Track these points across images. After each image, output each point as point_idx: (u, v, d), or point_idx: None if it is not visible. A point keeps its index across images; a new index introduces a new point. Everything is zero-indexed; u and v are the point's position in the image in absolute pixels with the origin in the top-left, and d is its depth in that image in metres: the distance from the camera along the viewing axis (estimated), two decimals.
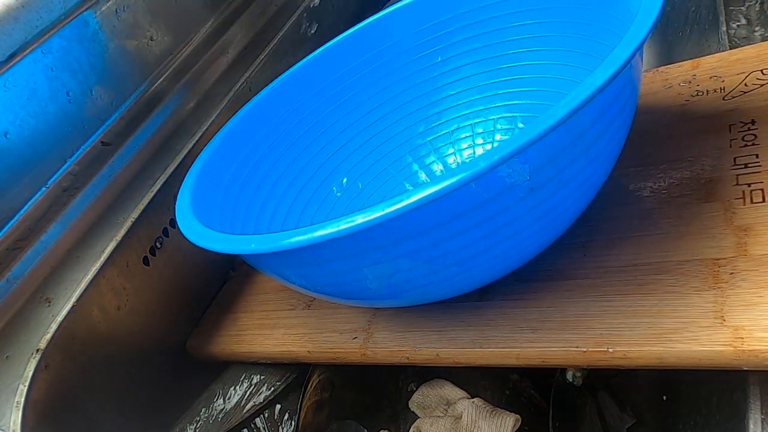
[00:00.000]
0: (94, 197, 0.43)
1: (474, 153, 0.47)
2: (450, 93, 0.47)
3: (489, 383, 0.38)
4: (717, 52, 0.42)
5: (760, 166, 0.33)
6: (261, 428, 0.41)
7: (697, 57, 0.42)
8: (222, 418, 0.41)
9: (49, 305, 0.38)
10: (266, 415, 0.42)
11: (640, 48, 0.26)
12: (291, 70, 0.46)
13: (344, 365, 0.39)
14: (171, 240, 0.45)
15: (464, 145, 0.47)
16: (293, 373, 0.43)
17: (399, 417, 0.41)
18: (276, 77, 0.46)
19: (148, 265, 0.43)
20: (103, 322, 0.40)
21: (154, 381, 0.44)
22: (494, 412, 0.35)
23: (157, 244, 0.44)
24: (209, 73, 0.54)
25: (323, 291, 0.32)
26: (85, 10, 0.44)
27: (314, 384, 0.41)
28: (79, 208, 0.42)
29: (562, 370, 0.38)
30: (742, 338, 0.26)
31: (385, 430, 0.40)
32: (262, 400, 0.42)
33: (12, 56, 0.39)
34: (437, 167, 0.47)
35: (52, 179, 0.42)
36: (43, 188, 0.42)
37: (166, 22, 0.52)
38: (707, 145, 0.36)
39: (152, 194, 0.44)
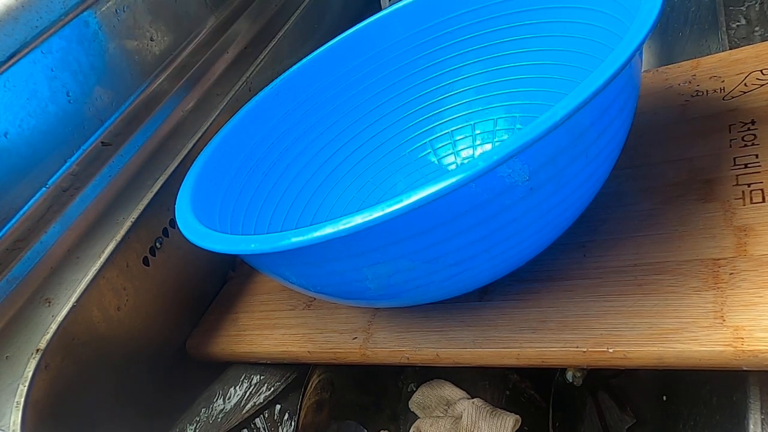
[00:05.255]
0: (94, 197, 0.43)
1: (474, 153, 0.47)
2: (450, 93, 0.47)
3: (489, 383, 0.38)
4: (717, 52, 0.42)
5: (759, 166, 0.33)
6: (261, 428, 0.41)
7: (697, 57, 0.42)
8: (222, 418, 0.41)
9: (49, 305, 0.38)
10: (266, 415, 0.42)
11: (639, 48, 0.26)
12: (291, 70, 0.46)
13: (344, 365, 0.39)
14: (171, 240, 0.45)
15: (464, 146, 0.47)
16: (293, 373, 0.43)
17: (399, 417, 0.41)
18: (276, 77, 0.46)
19: (148, 265, 0.43)
20: (103, 322, 0.40)
21: (154, 381, 0.44)
22: (494, 413, 0.35)
23: (157, 244, 0.44)
24: (209, 73, 0.54)
25: (323, 291, 0.32)
26: (85, 10, 0.44)
27: (314, 384, 0.41)
28: (79, 208, 0.42)
29: (562, 370, 0.38)
30: (742, 338, 0.26)
31: (385, 430, 0.40)
32: (262, 400, 0.42)
33: (12, 56, 0.39)
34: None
35: (52, 179, 0.42)
36: (43, 188, 0.42)
37: (166, 22, 0.52)
38: (707, 145, 0.36)
39: (152, 194, 0.44)
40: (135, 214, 0.42)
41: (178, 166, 0.46)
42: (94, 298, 0.39)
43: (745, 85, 0.38)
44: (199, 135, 0.48)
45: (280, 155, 0.44)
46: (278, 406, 0.42)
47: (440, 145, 0.48)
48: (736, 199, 0.32)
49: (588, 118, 0.26)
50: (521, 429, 0.35)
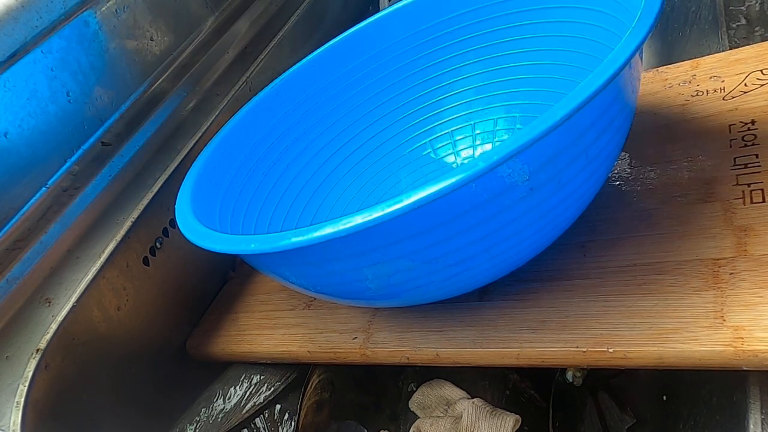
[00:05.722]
0: (94, 197, 0.43)
1: (474, 153, 0.47)
2: (450, 93, 0.47)
3: (489, 383, 0.38)
4: (717, 52, 0.42)
5: (760, 166, 0.33)
6: (261, 428, 0.41)
7: (697, 57, 0.42)
8: (222, 418, 0.41)
9: (49, 305, 0.38)
10: (266, 415, 0.42)
11: (639, 48, 0.26)
12: (291, 70, 0.46)
13: (344, 365, 0.39)
14: (171, 240, 0.45)
15: (464, 146, 0.47)
16: (293, 373, 0.43)
17: (399, 417, 0.41)
18: (276, 77, 0.46)
19: (148, 265, 0.43)
20: (103, 322, 0.40)
21: (154, 381, 0.44)
22: (494, 413, 0.35)
23: (157, 244, 0.44)
24: (209, 73, 0.54)
25: (323, 291, 0.32)
26: (85, 10, 0.44)
27: (314, 384, 0.41)
28: (79, 208, 0.42)
29: (562, 370, 0.38)
30: (742, 338, 0.26)
31: (385, 430, 0.40)
32: (262, 400, 0.42)
33: (12, 56, 0.39)
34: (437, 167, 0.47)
35: (52, 179, 0.42)
36: (43, 188, 0.42)
37: (166, 22, 0.52)
38: (707, 145, 0.36)
39: (152, 194, 0.44)
40: (135, 214, 0.42)
41: (178, 166, 0.46)
42: (94, 298, 0.39)
43: (745, 85, 0.38)
44: (199, 135, 0.48)
45: (280, 155, 0.44)
46: (278, 406, 0.42)
47: (440, 145, 0.48)
48: (736, 199, 0.32)
49: (588, 118, 0.26)
50: (521, 429, 0.35)
